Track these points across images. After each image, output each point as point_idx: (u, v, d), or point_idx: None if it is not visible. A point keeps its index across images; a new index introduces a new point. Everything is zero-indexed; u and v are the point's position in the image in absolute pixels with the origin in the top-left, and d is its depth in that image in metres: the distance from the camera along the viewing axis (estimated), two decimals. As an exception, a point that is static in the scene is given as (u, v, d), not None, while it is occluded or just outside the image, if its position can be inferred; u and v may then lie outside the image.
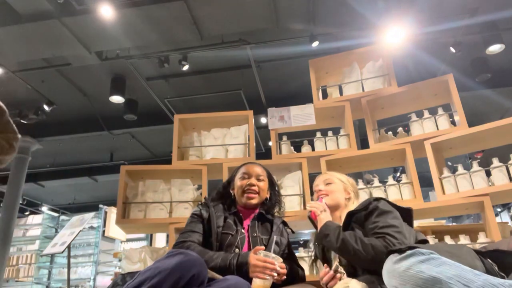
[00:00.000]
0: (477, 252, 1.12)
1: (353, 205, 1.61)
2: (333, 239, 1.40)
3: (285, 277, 1.43)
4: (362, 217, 1.42)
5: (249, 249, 1.55)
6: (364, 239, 1.32)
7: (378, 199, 1.45)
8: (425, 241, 1.41)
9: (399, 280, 0.96)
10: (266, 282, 1.35)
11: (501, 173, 2.18)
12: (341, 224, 1.48)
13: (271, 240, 1.58)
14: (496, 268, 1.08)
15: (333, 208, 1.64)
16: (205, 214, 1.61)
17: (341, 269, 1.41)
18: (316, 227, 1.59)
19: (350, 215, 1.46)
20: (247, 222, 1.64)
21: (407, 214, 1.45)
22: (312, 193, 2.48)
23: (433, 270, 0.91)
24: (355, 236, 1.35)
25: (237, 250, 1.52)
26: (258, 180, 1.70)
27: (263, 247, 1.45)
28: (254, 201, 1.66)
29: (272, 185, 1.80)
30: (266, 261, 1.36)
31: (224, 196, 1.75)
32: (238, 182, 1.71)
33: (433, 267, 0.91)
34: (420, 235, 1.45)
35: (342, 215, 1.58)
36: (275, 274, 1.37)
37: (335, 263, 1.48)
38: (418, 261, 0.95)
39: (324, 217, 1.53)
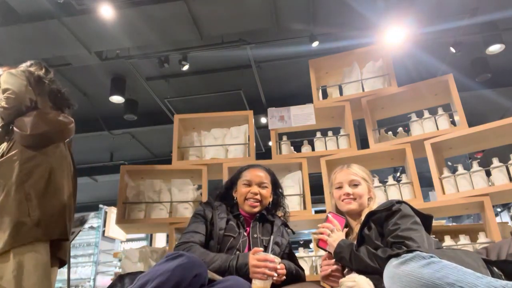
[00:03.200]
0: (486, 261, 1.10)
1: (374, 205, 1.56)
2: (348, 260, 1.36)
3: (284, 277, 1.43)
4: (383, 217, 1.39)
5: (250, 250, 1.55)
6: (379, 254, 1.28)
7: (400, 202, 1.42)
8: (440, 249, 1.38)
9: (400, 286, 0.94)
10: (266, 283, 1.34)
11: (501, 173, 2.18)
12: (361, 223, 1.45)
13: (273, 241, 1.58)
14: (503, 277, 1.07)
15: (358, 213, 1.56)
16: (209, 215, 1.61)
17: None
18: (328, 252, 1.51)
19: (371, 214, 1.43)
20: (249, 224, 1.65)
21: (427, 221, 1.43)
22: (312, 193, 2.50)
23: (434, 275, 0.89)
24: (368, 252, 1.31)
25: (238, 253, 1.51)
26: (261, 187, 1.68)
27: (261, 248, 1.45)
28: (256, 209, 1.65)
29: (276, 188, 1.78)
30: (267, 259, 1.35)
31: (226, 198, 1.74)
32: (241, 188, 1.68)
33: (435, 272, 0.90)
34: (437, 243, 1.43)
35: (363, 216, 1.53)
36: (275, 274, 1.37)
37: None
38: (419, 266, 0.93)
39: (333, 240, 1.44)
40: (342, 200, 1.57)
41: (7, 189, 1.71)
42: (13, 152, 1.78)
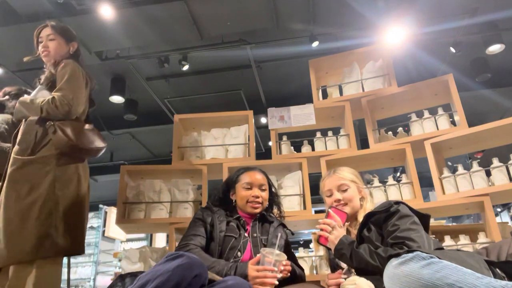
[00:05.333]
0: (488, 262, 1.10)
1: (368, 204, 1.56)
2: (348, 258, 1.35)
3: (289, 274, 1.44)
4: (382, 218, 1.39)
5: (251, 251, 1.56)
6: (380, 253, 1.27)
7: (398, 203, 1.41)
8: (441, 249, 1.37)
9: (399, 286, 0.94)
10: None
11: (501, 173, 2.18)
12: (359, 225, 1.45)
13: (269, 242, 1.60)
14: (506, 279, 1.07)
15: (352, 216, 1.56)
16: (208, 219, 1.62)
17: (353, 270, 1.40)
18: (328, 249, 1.50)
19: (369, 215, 1.42)
20: (249, 225, 1.67)
21: (425, 220, 1.42)
22: (312, 193, 2.49)
23: (434, 276, 0.89)
24: (370, 250, 1.31)
25: (239, 253, 1.53)
26: (261, 190, 1.71)
27: (259, 256, 1.44)
28: (257, 210, 1.68)
29: (271, 188, 1.81)
30: (266, 269, 1.35)
31: (225, 202, 1.75)
32: (241, 191, 1.70)
33: (434, 272, 0.89)
34: (437, 243, 1.43)
35: (359, 217, 1.53)
36: (279, 276, 1.37)
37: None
38: (418, 266, 0.93)
39: (335, 237, 1.42)
40: (336, 207, 1.56)
41: (36, 193, 1.62)
42: (48, 154, 1.70)
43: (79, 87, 1.83)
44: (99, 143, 1.85)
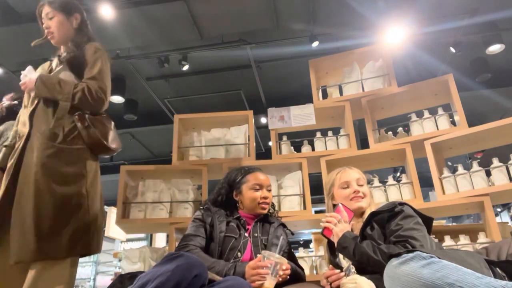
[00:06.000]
0: (488, 262, 1.10)
1: (372, 205, 1.59)
2: (351, 252, 1.36)
3: (288, 277, 1.44)
4: (385, 218, 1.40)
5: (252, 251, 1.56)
6: (383, 248, 1.29)
7: (402, 204, 1.43)
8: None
9: (400, 286, 0.94)
10: (269, 284, 1.34)
11: (501, 173, 2.18)
12: (363, 223, 1.46)
13: (270, 242, 1.60)
14: (507, 279, 1.07)
15: (361, 213, 1.57)
16: (208, 219, 1.62)
17: (353, 268, 1.40)
18: (330, 242, 1.52)
19: (373, 214, 1.44)
20: (250, 226, 1.66)
21: (427, 223, 1.43)
22: (312, 193, 2.50)
23: (434, 275, 0.89)
24: (373, 246, 1.32)
25: (239, 254, 1.53)
26: (268, 190, 1.72)
27: (260, 256, 1.44)
28: (266, 211, 1.70)
29: None
30: (259, 265, 1.35)
31: (226, 202, 1.73)
32: (250, 193, 1.68)
33: (434, 272, 0.89)
34: (438, 245, 1.44)
35: (364, 216, 1.54)
36: (270, 270, 1.36)
37: (348, 262, 1.46)
38: (419, 266, 0.93)
39: (339, 230, 1.44)
40: (351, 199, 1.58)
41: (71, 187, 1.52)
42: (79, 147, 1.59)
43: (109, 78, 1.73)
44: (118, 143, 1.77)
